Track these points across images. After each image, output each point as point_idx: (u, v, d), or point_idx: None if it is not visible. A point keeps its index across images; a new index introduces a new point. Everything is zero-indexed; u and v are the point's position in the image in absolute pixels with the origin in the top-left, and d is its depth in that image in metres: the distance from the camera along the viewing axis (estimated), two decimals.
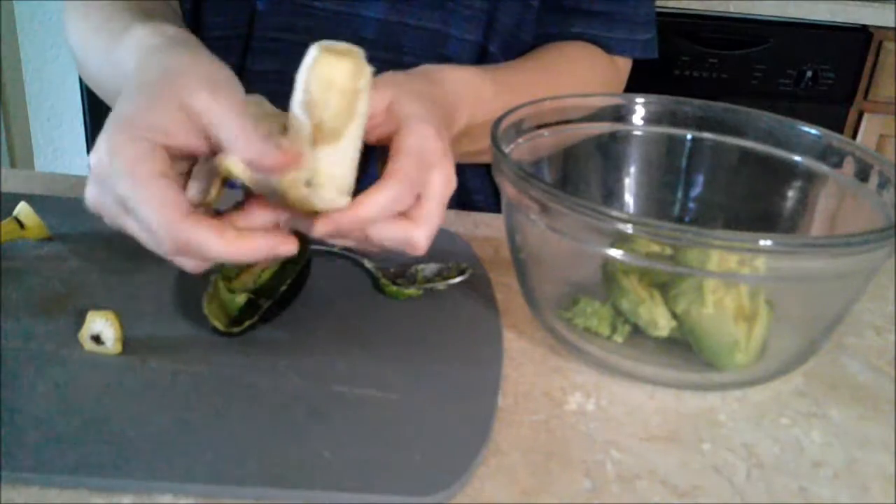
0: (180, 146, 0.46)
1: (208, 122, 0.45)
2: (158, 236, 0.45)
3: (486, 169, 0.84)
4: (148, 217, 0.44)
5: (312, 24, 0.74)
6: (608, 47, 0.80)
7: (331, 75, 0.45)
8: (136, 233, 0.46)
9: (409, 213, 0.49)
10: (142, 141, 0.45)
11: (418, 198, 0.49)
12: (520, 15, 0.78)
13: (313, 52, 0.46)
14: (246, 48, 0.75)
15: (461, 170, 0.81)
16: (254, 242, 0.46)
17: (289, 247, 0.46)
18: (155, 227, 0.44)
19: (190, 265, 0.47)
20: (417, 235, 0.48)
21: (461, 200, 0.83)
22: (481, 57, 0.78)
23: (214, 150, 0.47)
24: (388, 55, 0.75)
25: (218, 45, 0.68)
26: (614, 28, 0.79)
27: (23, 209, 0.60)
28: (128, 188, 0.44)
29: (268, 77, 0.74)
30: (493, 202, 0.85)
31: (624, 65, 0.83)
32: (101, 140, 0.45)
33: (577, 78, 0.77)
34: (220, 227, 0.45)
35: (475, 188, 0.84)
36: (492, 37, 0.77)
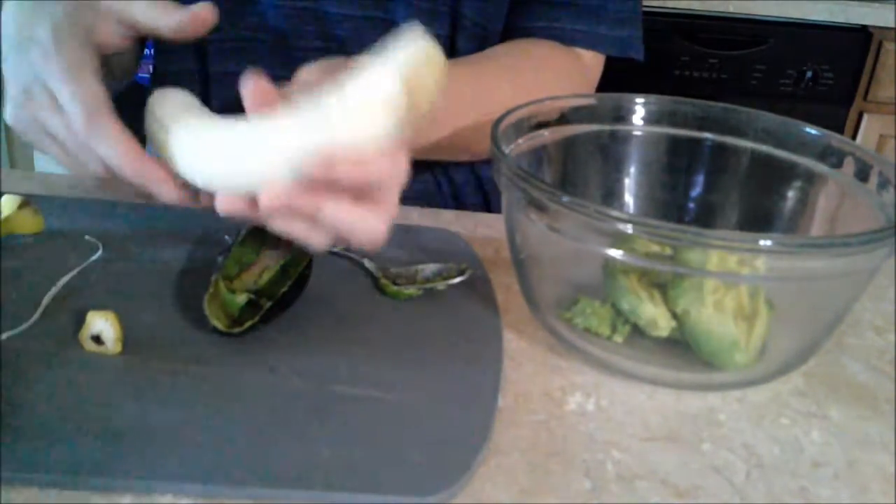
0: (103, 42, 0.54)
1: (130, 16, 0.54)
2: (74, 112, 0.50)
3: (472, 164, 0.84)
4: (76, 95, 0.50)
5: (275, 25, 0.74)
6: (572, 40, 0.77)
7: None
8: (60, 129, 0.51)
9: (366, 201, 0.47)
10: (76, 38, 0.51)
11: (372, 189, 0.47)
12: (485, 7, 0.76)
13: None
14: (204, 51, 0.75)
15: (448, 166, 0.81)
16: (151, 169, 0.50)
17: (169, 195, 0.51)
18: (79, 102, 0.49)
19: (86, 160, 0.51)
20: (377, 221, 0.47)
21: (452, 194, 0.83)
22: (450, 54, 0.77)
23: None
24: (324, 43, 0.74)
25: (175, 47, 0.68)
26: (578, 20, 0.77)
27: (7, 201, 0.60)
28: (61, 76, 0.50)
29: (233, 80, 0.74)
30: (480, 198, 0.85)
31: (592, 61, 0.80)
32: (39, 47, 0.51)
33: (537, 79, 0.75)
34: (132, 143, 0.50)
35: (462, 183, 0.84)
36: (459, 32, 0.76)
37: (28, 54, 0.51)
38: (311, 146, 0.44)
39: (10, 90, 0.52)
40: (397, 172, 0.47)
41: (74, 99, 0.50)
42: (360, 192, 0.46)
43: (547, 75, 0.76)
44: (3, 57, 0.54)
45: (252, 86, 0.48)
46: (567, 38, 0.77)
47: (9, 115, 0.53)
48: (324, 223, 0.46)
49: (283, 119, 0.46)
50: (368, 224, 0.47)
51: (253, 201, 0.46)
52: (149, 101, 0.52)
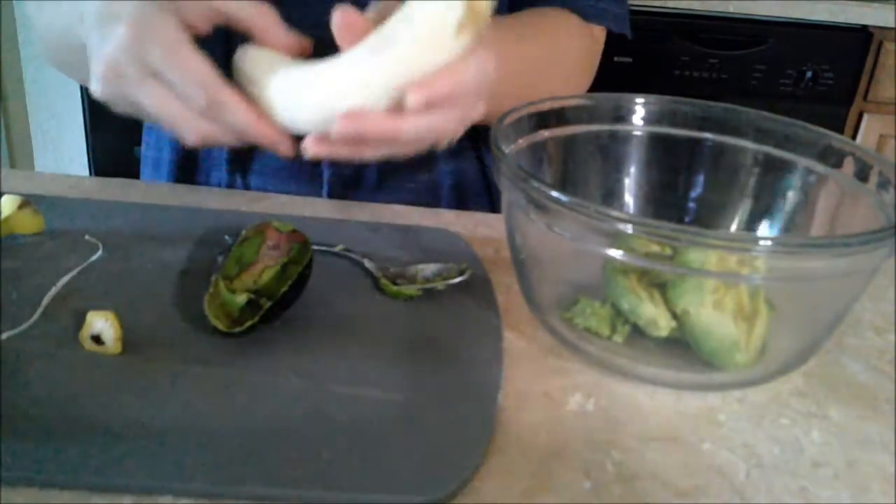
0: (191, 23, 0.53)
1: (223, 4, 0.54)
2: (195, 93, 0.50)
3: (477, 153, 0.84)
4: (189, 75, 0.50)
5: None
6: (586, 15, 0.80)
7: None
8: (157, 99, 0.52)
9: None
10: (172, 16, 0.51)
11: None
12: None
13: None
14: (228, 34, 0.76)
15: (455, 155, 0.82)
16: (269, 128, 0.52)
17: (286, 150, 0.53)
18: (196, 83, 0.50)
19: (206, 129, 0.52)
20: (455, 124, 0.51)
21: (454, 184, 0.83)
22: None
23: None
24: None
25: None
26: None
27: (7, 201, 0.60)
28: (167, 57, 0.50)
29: None
30: (485, 193, 0.85)
31: (600, 34, 0.83)
32: (124, 23, 0.51)
33: (558, 44, 0.77)
34: (250, 101, 0.52)
35: (466, 173, 0.84)
36: None
37: (113, 30, 0.51)
38: (394, 77, 0.49)
39: (97, 67, 0.52)
40: (482, 75, 0.51)
41: (188, 81, 0.50)
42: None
43: (564, 39, 0.79)
44: (87, 33, 0.54)
45: (341, 18, 0.50)
46: (581, 13, 0.80)
47: (97, 92, 0.53)
48: (403, 141, 0.51)
49: (364, 55, 0.50)
50: (448, 128, 0.52)
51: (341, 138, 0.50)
52: (234, 59, 0.55)
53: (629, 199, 0.66)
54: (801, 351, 0.53)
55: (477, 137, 0.81)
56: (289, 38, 0.55)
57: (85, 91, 2.00)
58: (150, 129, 0.84)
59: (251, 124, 0.52)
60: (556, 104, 0.62)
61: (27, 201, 0.61)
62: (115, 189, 0.72)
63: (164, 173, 0.82)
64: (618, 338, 0.54)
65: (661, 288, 0.53)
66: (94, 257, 0.60)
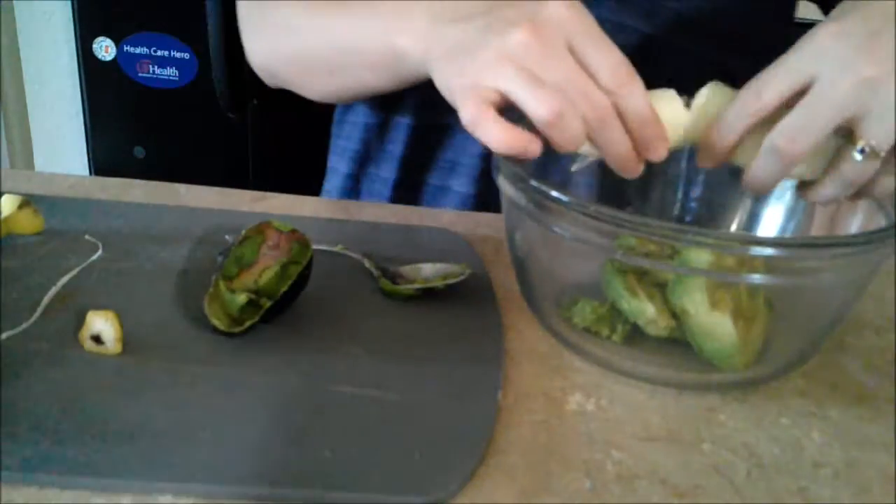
0: None
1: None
2: (607, 69, 0.50)
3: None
4: (611, 53, 0.51)
5: None
6: None
7: None
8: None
9: None
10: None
11: None
12: None
13: None
14: None
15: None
16: (662, 132, 0.53)
17: (658, 150, 0.53)
18: (615, 61, 0.50)
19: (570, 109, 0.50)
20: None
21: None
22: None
23: None
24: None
25: None
26: None
27: (7, 201, 0.60)
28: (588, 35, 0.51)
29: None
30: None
31: None
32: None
33: None
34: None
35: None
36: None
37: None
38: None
39: (517, 34, 0.51)
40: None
41: (607, 55, 0.50)
42: None
43: None
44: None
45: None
46: None
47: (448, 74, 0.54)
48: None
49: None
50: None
51: None
52: None
53: (629, 199, 0.66)
54: (801, 351, 0.53)
55: None
56: None
57: (85, 91, 2.00)
58: (345, 122, 0.87)
59: (649, 117, 0.51)
60: None
61: (27, 201, 0.61)
62: (115, 189, 0.72)
63: (346, 161, 0.87)
64: (617, 338, 0.54)
65: (660, 288, 0.53)
66: (94, 257, 0.60)
